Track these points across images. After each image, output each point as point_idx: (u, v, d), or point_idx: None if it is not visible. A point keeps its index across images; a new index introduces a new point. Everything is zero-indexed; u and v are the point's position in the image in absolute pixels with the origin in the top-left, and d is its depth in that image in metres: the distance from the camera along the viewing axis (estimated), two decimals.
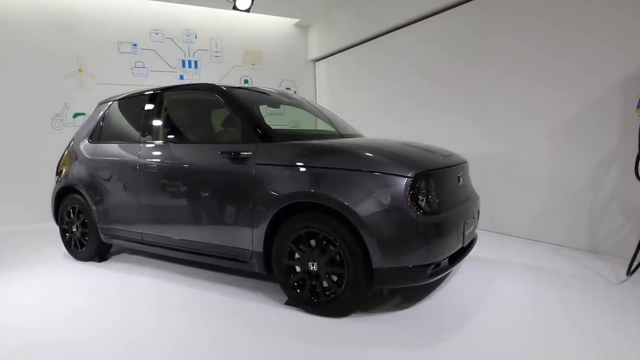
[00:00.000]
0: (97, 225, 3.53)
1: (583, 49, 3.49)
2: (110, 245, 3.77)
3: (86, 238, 3.67)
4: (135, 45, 6.24)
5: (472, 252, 3.56)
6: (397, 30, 5.59)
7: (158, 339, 2.23)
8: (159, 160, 3.12)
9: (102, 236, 3.55)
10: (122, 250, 4.01)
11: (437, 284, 2.87)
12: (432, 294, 2.73)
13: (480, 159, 4.46)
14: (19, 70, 5.49)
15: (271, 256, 2.58)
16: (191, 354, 2.05)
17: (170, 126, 3.38)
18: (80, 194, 3.64)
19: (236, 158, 2.70)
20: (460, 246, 2.59)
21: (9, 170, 5.47)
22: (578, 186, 3.60)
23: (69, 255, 3.84)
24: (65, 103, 5.82)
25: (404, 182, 2.25)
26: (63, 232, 3.88)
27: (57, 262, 3.69)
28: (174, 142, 3.19)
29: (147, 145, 3.24)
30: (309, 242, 2.42)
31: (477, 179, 4.43)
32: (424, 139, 4.78)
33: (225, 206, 2.76)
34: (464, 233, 2.60)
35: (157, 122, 3.32)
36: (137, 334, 2.29)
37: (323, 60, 7.50)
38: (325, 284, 2.41)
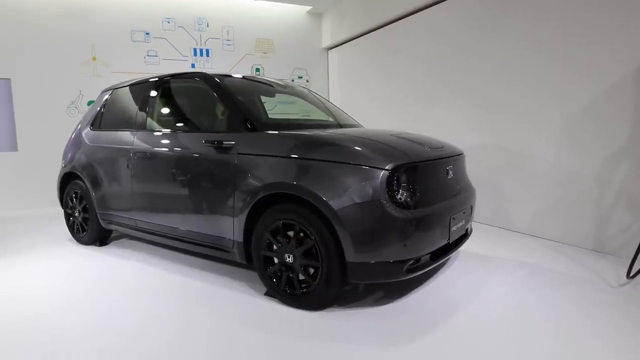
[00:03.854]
0: (96, 211, 3.62)
1: (592, 39, 3.27)
2: (111, 231, 3.86)
3: (87, 223, 3.78)
4: (147, 34, 6.31)
5: (469, 248, 3.47)
6: (412, 16, 5.41)
7: (135, 327, 2.27)
8: (150, 148, 3.15)
9: (101, 221, 3.64)
10: (123, 236, 4.11)
11: (423, 279, 2.80)
12: (416, 289, 2.65)
13: (485, 151, 4.30)
14: (36, 58, 5.67)
15: (251, 246, 2.58)
16: (159, 341, 2.08)
17: (161, 114, 3.40)
18: (82, 179, 3.73)
19: (219, 147, 2.69)
20: (445, 242, 2.50)
21: (26, 156, 5.69)
22: (585, 181, 3.40)
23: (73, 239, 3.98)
24: (80, 91, 5.97)
25: (380, 174, 2.18)
26: (67, 217, 4.01)
27: (60, 246, 3.82)
28: (164, 131, 3.21)
29: (140, 134, 3.28)
30: (286, 234, 2.40)
31: (482, 172, 4.29)
32: (431, 129, 4.66)
33: (210, 195, 2.76)
34: (449, 229, 2.51)
35: (150, 111, 3.35)
36: (115, 324, 2.34)
37: (335, 48, 7.38)
38: (301, 276, 2.39)
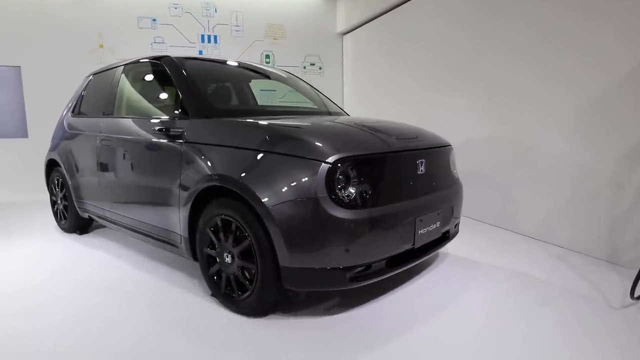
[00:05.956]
0: (73, 199, 3.57)
1: (609, 20, 2.76)
2: (92, 220, 3.79)
3: (67, 211, 3.74)
4: (154, 20, 6.24)
5: (459, 251, 3.12)
6: None
7: (64, 320, 2.14)
8: (114, 135, 3.02)
9: (78, 210, 3.58)
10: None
11: (392, 286, 2.48)
12: (379, 298, 2.35)
13: (493, 145, 3.87)
14: (44, 46, 5.74)
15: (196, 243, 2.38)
16: (75, 338, 1.93)
17: (126, 100, 3.25)
18: (61, 166, 3.69)
19: (168, 135, 2.50)
20: (408, 247, 2.18)
21: (36, 143, 5.80)
22: (598, 180, 2.93)
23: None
24: None
25: (319, 168, 1.89)
26: (52, 204, 4.00)
27: (39, 233, 3.81)
28: (126, 117, 3.05)
29: (107, 120, 3.16)
30: (226, 231, 2.17)
31: (489, 167, 3.87)
32: (440, 118, 4.30)
33: (161, 186, 2.58)
34: (415, 232, 2.18)
35: (117, 97, 3.21)
36: (45, 315, 2.22)
37: (350, 33, 7.01)
38: (240, 279, 2.16)
